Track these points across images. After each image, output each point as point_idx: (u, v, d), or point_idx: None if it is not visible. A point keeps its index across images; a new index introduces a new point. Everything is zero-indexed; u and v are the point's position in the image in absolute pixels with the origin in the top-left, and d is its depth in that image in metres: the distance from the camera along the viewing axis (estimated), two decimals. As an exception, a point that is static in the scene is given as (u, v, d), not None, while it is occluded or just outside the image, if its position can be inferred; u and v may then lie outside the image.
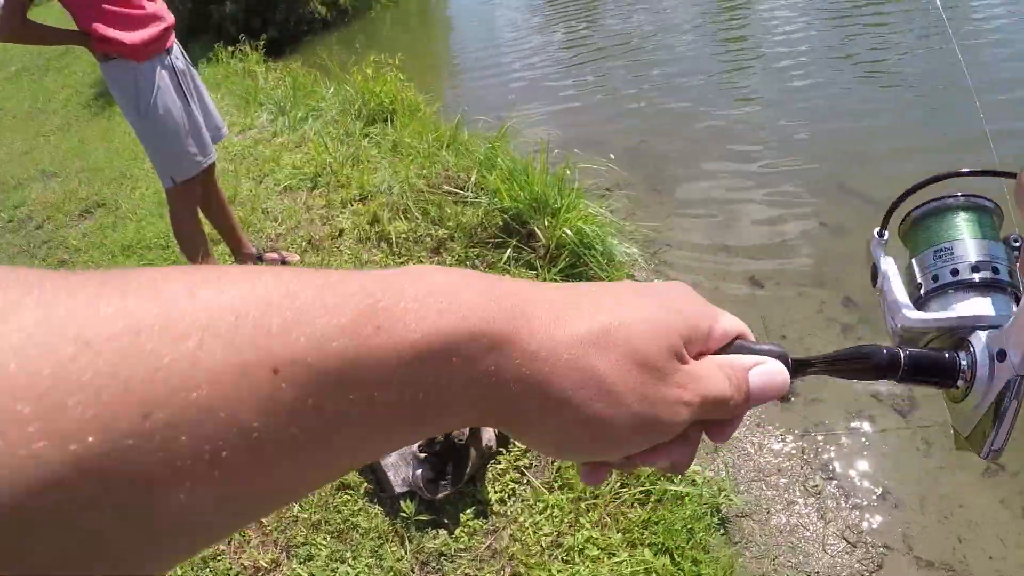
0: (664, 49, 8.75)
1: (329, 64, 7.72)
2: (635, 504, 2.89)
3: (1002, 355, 0.50)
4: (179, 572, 2.86)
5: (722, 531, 2.92)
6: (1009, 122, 5.53)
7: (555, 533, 2.80)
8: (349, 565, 2.78)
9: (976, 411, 0.50)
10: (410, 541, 2.82)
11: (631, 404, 0.44)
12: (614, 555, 2.70)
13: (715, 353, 0.52)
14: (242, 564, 2.86)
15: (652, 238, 4.94)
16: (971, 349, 0.52)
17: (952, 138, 5.56)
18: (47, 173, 7.47)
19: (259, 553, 2.88)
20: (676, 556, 2.70)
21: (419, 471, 2.82)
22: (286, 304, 0.33)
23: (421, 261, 4.24)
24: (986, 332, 0.52)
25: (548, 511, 2.88)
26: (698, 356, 0.50)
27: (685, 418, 0.46)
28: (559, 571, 2.68)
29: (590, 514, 2.85)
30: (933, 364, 0.51)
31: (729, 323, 0.53)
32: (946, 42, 7.21)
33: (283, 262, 4.47)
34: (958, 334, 0.54)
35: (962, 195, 0.60)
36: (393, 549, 2.80)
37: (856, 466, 3.25)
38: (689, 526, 2.81)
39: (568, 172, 4.48)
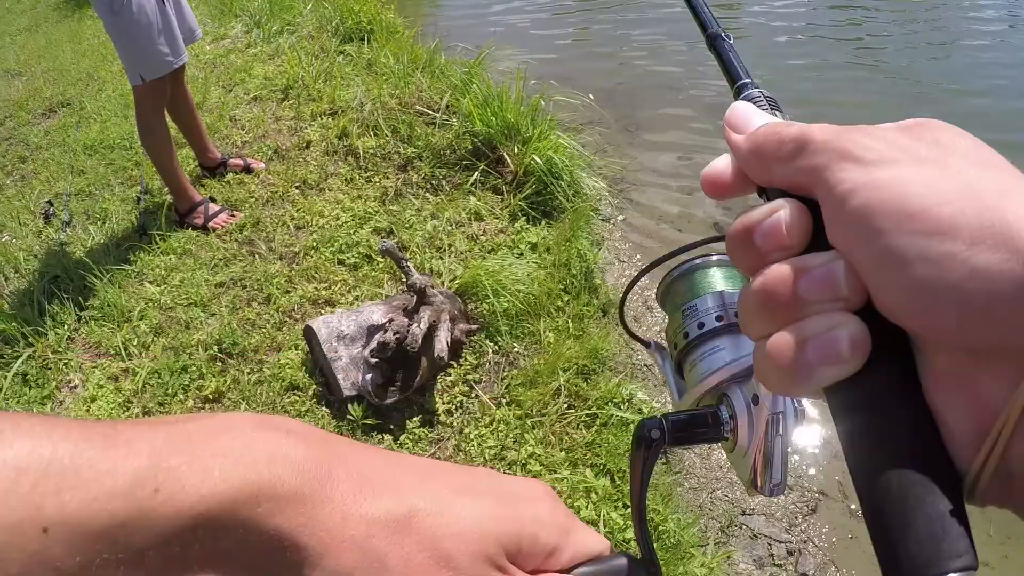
0: (652, 7, 8.66)
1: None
2: (580, 426, 2.92)
3: (756, 399, 0.52)
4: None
5: (664, 460, 2.96)
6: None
7: (499, 447, 2.82)
8: (292, 464, 2.78)
9: (748, 456, 0.52)
10: (355, 444, 2.82)
11: None
12: (556, 472, 2.74)
13: (561, 572, 0.49)
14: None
15: (620, 176, 4.94)
16: (730, 402, 0.54)
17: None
18: (11, 72, 7.27)
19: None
20: (616, 478, 2.73)
21: (369, 376, 2.82)
22: (67, 463, 0.35)
23: (387, 177, 4.22)
24: (741, 382, 0.55)
25: (494, 425, 2.90)
26: (534, 572, 0.47)
27: None
28: (500, 483, 2.70)
29: (535, 431, 2.87)
30: (695, 424, 0.53)
31: (583, 545, 0.50)
32: (950, 39, 7.22)
33: (247, 169, 4.41)
34: (720, 390, 0.57)
35: (693, 259, 0.64)
36: (337, 451, 2.81)
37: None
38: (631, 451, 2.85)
39: (542, 103, 4.45)
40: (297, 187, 4.24)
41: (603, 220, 4.40)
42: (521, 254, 3.61)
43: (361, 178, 4.26)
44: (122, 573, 0.35)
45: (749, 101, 0.47)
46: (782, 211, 0.37)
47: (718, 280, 0.63)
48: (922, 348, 0.34)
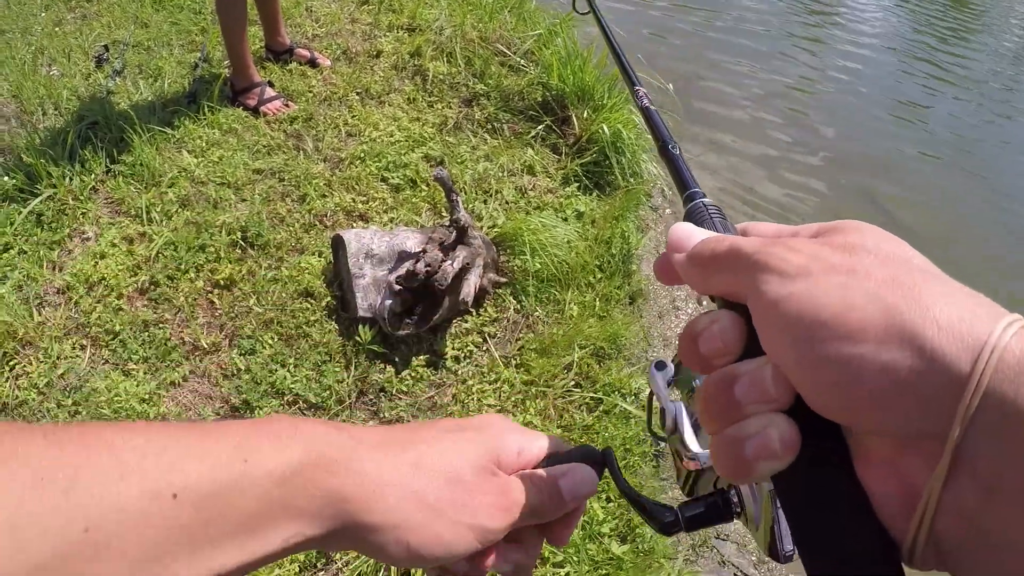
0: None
1: None
2: (583, 407, 2.83)
3: None
4: (116, 332, 2.77)
5: (655, 464, 2.88)
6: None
7: (499, 407, 2.73)
8: (289, 371, 2.70)
9: (761, 529, 0.54)
10: (356, 367, 2.74)
11: (448, 513, 0.51)
12: (549, 447, 2.64)
13: (535, 469, 0.59)
14: (183, 338, 2.77)
15: (679, 169, 4.81)
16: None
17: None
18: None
19: (203, 332, 2.79)
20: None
21: (388, 302, 2.72)
22: (178, 446, 0.44)
23: (450, 107, 4.09)
24: None
25: (498, 384, 2.81)
26: (515, 472, 0.58)
27: (503, 522, 0.54)
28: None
29: (537, 401, 2.78)
30: (707, 511, 0.56)
31: (539, 445, 0.60)
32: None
33: (312, 62, 4.28)
34: None
35: None
36: (336, 369, 2.72)
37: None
38: (627, 446, 2.76)
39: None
40: (358, 93, 4.10)
41: (652, 209, 4.27)
42: (566, 219, 3.49)
43: (424, 101, 4.12)
44: (229, 526, 0.43)
45: (695, 211, 0.56)
46: (718, 324, 0.42)
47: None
48: (853, 435, 0.38)
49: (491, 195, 3.53)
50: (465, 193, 3.49)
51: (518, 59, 4.44)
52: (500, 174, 3.66)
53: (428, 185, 3.47)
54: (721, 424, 0.40)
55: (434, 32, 4.57)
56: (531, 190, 3.63)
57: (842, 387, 0.36)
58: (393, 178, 3.52)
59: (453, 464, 0.53)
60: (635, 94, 0.84)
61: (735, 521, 0.57)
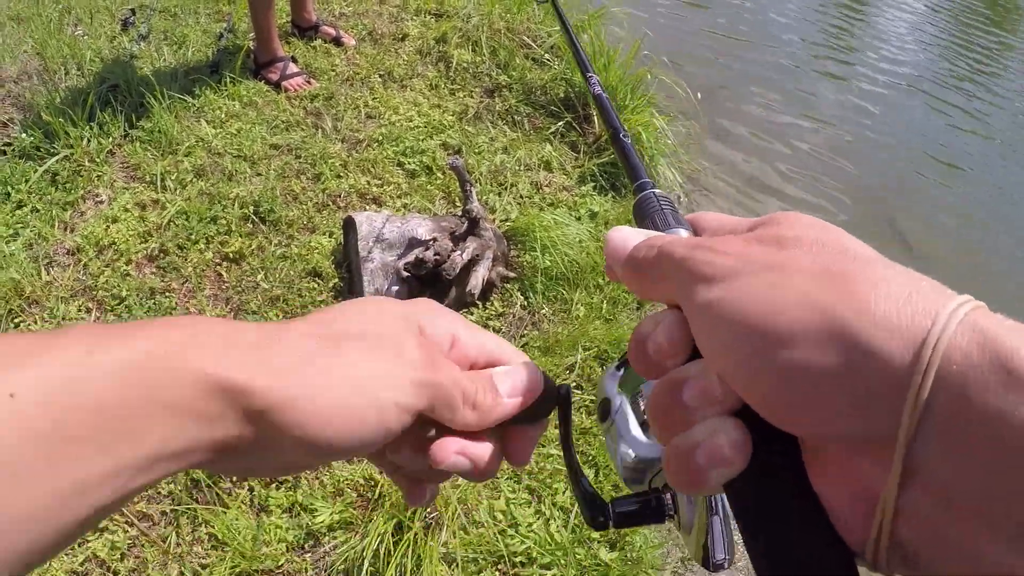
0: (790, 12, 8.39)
1: None
2: (583, 410, 2.82)
3: None
4: (123, 298, 2.77)
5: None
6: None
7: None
8: (290, 348, 2.69)
9: (693, 535, 0.53)
10: (358, 350, 2.73)
11: (361, 376, 0.43)
12: (544, 447, 2.64)
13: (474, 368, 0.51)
14: (188, 308, 2.77)
15: (696, 177, 4.78)
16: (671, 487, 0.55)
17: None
18: None
19: (208, 304, 2.78)
20: (601, 474, 2.64)
21: (395, 288, 2.72)
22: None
23: (472, 96, 4.07)
24: None
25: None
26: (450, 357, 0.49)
27: (433, 384, 0.45)
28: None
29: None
30: (640, 510, 0.54)
31: (479, 342, 0.51)
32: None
33: (337, 40, 4.28)
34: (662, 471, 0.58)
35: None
36: (338, 351, 2.71)
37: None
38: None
39: (649, 76, 4.29)
40: (381, 75, 4.09)
41: (666, 214, 4.26)
42: (579, 218, 3.48)
43: (446, 88, 4.11)
44: (85, 427, 0.35)
45: (644, 202, 0.55)
46: (663, 324, 0.40)
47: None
48: (805, 442, 0.36)
49: (506, 188, 3.52)
50: (480, 184, 3.48)
51: (543, 53, 4.42)
52: (517, 167, 3.65)
53: (444, 173, 3.46)
54: (671, 431, 0.38)
55: (461, 19, 4.55)
56: (546, 186, 3.62)
57: (780, 394, 0.34)
58: (409, 163, 3.51)
59: (361, 324, 0.45)
60: (588, 80, 0.85)
61: (666, 523, 0.56)
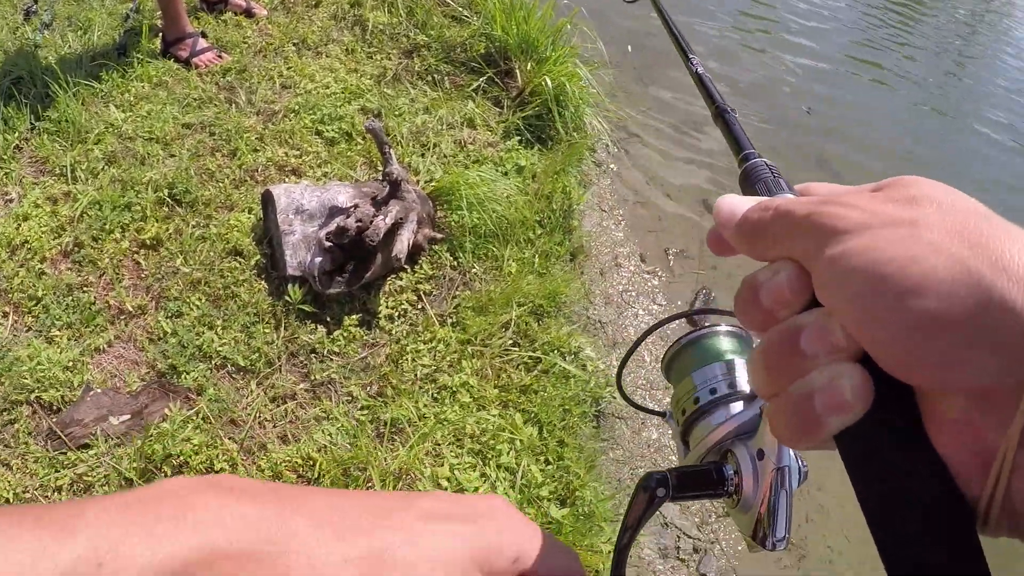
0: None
1: None
2: (521, 366, 2.80)
3: (761, 454, 0.55)
4: (39, 298, 2.68)
5: (595, 424, 2.87)
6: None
7: (434, 367, 2.69)
8: (216, 333, 2.64)
9: (752, 511, 0.53)
10: (286, 328, 2.68)
11: None
12: (484, 409, 2.62)
13: None
14: (107, 302, 2.69)
15: (624, 125, 4.75)
16: (735, 457, 0.56)
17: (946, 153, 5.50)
18: None
19: (128, 295, 2.70)
20: (545, 431, 2.63)
21: (319, 259, 2.66)
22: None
23: (390, 58, 3.99)
24: (745, 438, 0.58)
25: (434, 343, 2.76)
26: None
27: None
28: (425, 405, 2.58)
29: (474, 360, 2.74)
30: (699, 478, 0.55)
31: (535, 547, 0.47)
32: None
33: (248, 12, 4.16)
34: (724, 447, 0.59)
35: (702, 328, 0.69)
36: (266, 331, 2.67)
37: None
38: (566, 407, 2.74)
39: (569, 27, 4.22)
40: (295, 44, 3.98)
41: (596, 164, 4.23)
42: (506, 173, 3.43)
43: (363, 52, 4.01)
44: None
45: (752, 170, 0.55)
46: (783, 272, 0.40)
47: (727, 349, 0.67)
48: (922, 395, 0.36)
49: (429, 148, 3.45)
50: (402, 146, 3.41)
51: (461, 9, 4.33)
52: (439, 127, 3.58)
53: (364, 139, 3.38)
54: (783, 380, 0.38)
55: (375, -19, 4.45)
56: (471, 143, 3.56)
57: (909, 343, 0.33)
58: (328, 131, 3.42)
59: (425, 567, 0.41)
60: (689, 61, 0.85)
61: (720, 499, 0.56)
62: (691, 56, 0.87)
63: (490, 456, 2.52)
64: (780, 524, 0.52)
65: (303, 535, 0.39)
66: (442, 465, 2.45)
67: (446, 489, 2.38)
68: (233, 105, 3.51)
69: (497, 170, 3.41)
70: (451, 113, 3.67)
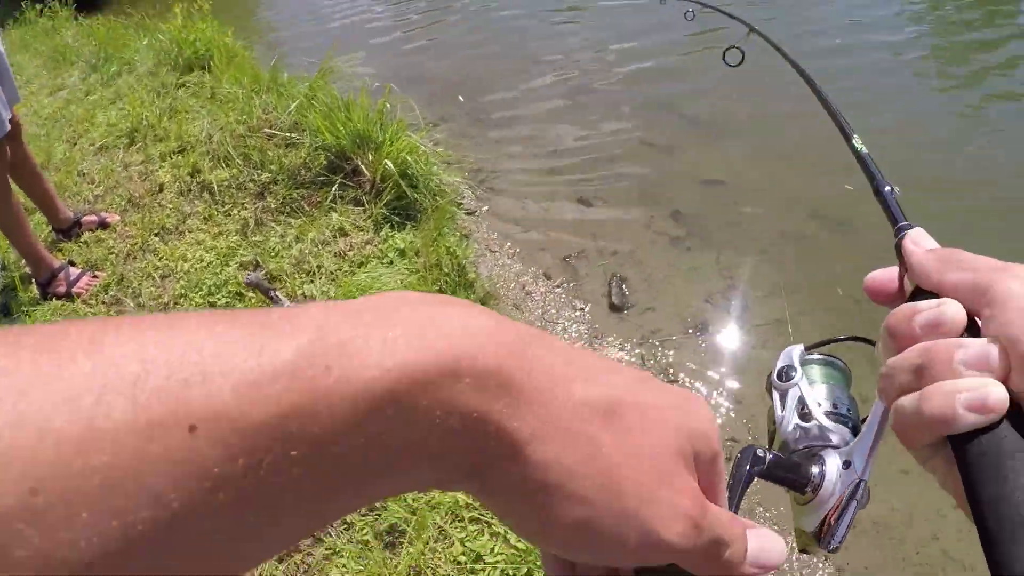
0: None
1: (139, 16, 7.37)
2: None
3: (847, 464, 0.59)
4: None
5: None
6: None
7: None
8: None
9: (821, 511, 0.57)
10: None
11: (626, 494, 0.35)
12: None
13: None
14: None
15: (479, 167, 4.95)
16: (823, 461, 0.59)
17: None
18: None
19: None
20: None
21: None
22: (210, 348, 0.27)
23: (245, 208, 4.16)
24: (837, 448, 0.61)
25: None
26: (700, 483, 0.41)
27: (679, 538, 0.37)
28: (413, 499, 2.67)
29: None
30: (792, 467, 0.59)
31: (718, 452, 0.43)
32: None
33: (103, 224, 4.30)
34: (815, 450, 0.62)
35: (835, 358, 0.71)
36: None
37: (689, 367, 3.38)
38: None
39: (388, 106, 4.42)
40: (156, 235, 4.14)
41: (468, 214, 4.42)
42: (391, 262, 3.61)
43: (220, 213, 4.19)
44: (300, 476, 0.28)
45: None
46: (946, 306, 0.47)
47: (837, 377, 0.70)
48: None
49: (313, 272, 3.62)
50: (289, 281, 3.57)
51: (288, 134, 4.53)
52: (315, 248, 3.76)
53: (254, 292, 3.53)
54: (924, 381, 0.46)
55: (204, 143, 4.63)
56: (349, 251, 3.73)
57: None
58: (220, 300, 3.57)
59: (655, 433, 0.38)
60: (850, 140, 0.86)
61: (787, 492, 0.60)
62: (852, 136, 0.88)
63: (490, 517, 2.58)
64: (841, 531, 0.55)
65: (547, 366, 0.35)
66: (452, 545, 2.51)
67: (465, 564, 2.46)
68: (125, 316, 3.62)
69: (382, 263, 3.59)
70: (321, 231, 3.85)
